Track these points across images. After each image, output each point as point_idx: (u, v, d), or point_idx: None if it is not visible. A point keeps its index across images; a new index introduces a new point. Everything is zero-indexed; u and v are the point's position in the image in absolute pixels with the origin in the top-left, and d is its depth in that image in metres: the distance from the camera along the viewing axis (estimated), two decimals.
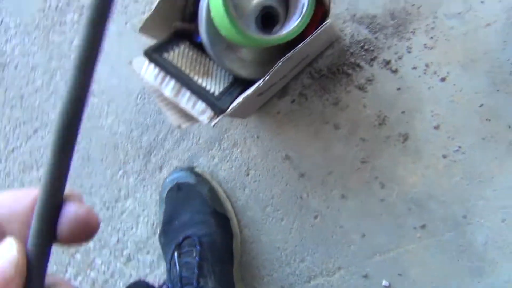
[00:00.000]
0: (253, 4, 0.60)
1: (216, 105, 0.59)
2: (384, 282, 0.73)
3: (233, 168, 0.77)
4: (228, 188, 0.77)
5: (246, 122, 0.76)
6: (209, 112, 0.60)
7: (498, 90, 0.67)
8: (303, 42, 0.56)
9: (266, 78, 0.57)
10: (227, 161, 0.77)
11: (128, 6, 0.82)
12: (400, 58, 0.69)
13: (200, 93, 0.60)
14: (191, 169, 0.76)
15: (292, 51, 0.56)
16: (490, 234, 0.69)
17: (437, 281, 0.71)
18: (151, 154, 0.79)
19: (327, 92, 0.72)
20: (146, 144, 0.79)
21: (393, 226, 0.72)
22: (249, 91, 0.58)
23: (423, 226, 0.71)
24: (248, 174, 0.77)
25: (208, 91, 0.60)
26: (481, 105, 0.68)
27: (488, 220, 0.69)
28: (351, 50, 0.71)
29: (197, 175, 0.75)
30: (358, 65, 0.71)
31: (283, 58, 0.56)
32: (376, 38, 0.70)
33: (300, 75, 0.73)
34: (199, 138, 0.77)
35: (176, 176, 0.75)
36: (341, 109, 0.72)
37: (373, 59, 0.70)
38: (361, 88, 0.71)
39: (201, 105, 0.60)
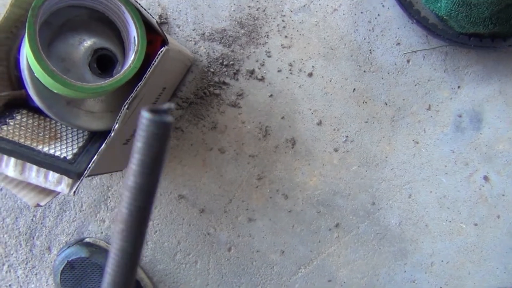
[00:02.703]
0: (81, 50, 0.54)
1: (71, 170, 0.53)
2: None
3: None
4: None
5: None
6: (66, 180, 0.53)
7: (364, 71, 0.66)
8: (143, 77, 0.51)
9: (116, 127, 0.51)
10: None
11: None
12: (262, 64, 0.66)
13: (48, 163, 0.52)
14: (80, 242, 0.68)
15: (134, 90, 0.51)
16: (402, 214, 0.67)
17: (367, 275, 0.68)
18: (33, 238, 0.70)
19: (202, 118, 0.68)
20: (25, 228, 0.70)
21: (308, 234, 0.69)
22: (103, 145, 0.52)
23: (337, 225, 0.68)
24: None
25: (58, 158, 0.53)
26: (354, 90, 0.67)
27: (395, 200, 0.67)
28: (212, 70, 0.67)
29: (89, 246, 0.67)
30: (224, 83, 0.67)
31: (127, 101, 0.51)
32: (232, 51, 0.66)
33: None
34: (81, 205, 0.70)
35: (66, 254, 0.66)
36: (221, 132, 0.68)
37: (236, 73, 0.66)
38: (234, 105, 0.67)
39: (53, 175, 0.53)
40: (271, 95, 0.67)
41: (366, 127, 0.67)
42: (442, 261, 0.67)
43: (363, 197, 0.68)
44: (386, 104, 0.66)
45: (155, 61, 0.52)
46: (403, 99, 0.66)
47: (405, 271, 0.68)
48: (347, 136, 0.67)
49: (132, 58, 0.52)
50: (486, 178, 0.66)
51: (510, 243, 0.65)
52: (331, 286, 0.69)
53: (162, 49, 0.52)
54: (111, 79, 0.51)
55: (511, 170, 0.65)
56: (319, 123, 0.67)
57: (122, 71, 0.52)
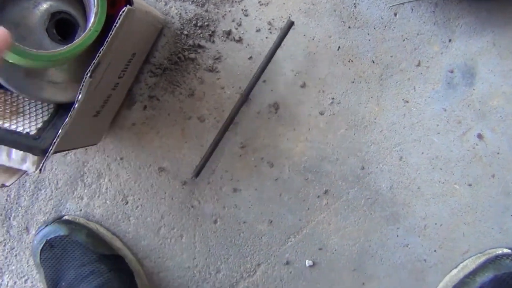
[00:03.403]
0: (37, 14, 0.49)
1: (35, 146, 0.49)
2: (308, 262, 0.67)
3: (107, 202, 0.67)
4: (110, 224, 0.67)
5: (103, 147, 0.66)
6: (31, 157, 0.50)
7: (349, 27, 0.62)
8: (105, 42, 0.47)
9: (80, 98, 0.47)
10: (99, 196, 0.67)
11: None
12: (239, 24, 0.62)
13: (10, 139, 0.49)
14: (58, 220, 0.65)
15: (96, 56, 0.47)
16: (393, 177, 0.64)
17: (358, 241, 0.66)
18: (10, 218, 0.67)
19: (178, 86, 0.64)
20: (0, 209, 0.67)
21: (296, 202, 0.66)
22: (67, 118, 0.48)
23: (326, 192, 0.66)
24: (127, 202, 0.67)
25: (20, 134, 0.50)
26: (339, 48, 0.62)
27: (386, 163, 0.64)
28: (185, 32, 0.62)
29: (68, 223, 0.64)
30: (199, 46, 0.62)
31: (89, 68, 0.46)
32: (206, 10, 0.61)
33: (141, 76, 0.64)
34: (57, 182, 0.66)
35: (44, 233, 0.64)
36: (199, 99, 0.64)
37: (212, 35, 0.62)
38: (211, 69, 0.63)
39: (17, 153, 0.49)
40: (250, 57, 0.63)
41: (353, 88, 0.63)
42: (436, 224, 0.64)
43: (352, 162, 0.65)
44: (373, 62, 0.62)
45: (117, 23, 0.47)
46: (391, 56, 0.62)
47: (397, 236, 0.65)
48: (333, 98, 0.64)
49: (92, 21, 0.47)
50: (480, 136, 0.63)
51: (505, 203, 0.63)
52: (322, 254, 0.67)
53: (124, 9, 0.48)
54: (69, 45, 0.47)
55: (506, 127, 0.62)
56: (303, 86, 0.63)
57: (82, 36, 0.47)
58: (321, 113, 0.64)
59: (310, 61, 0.63)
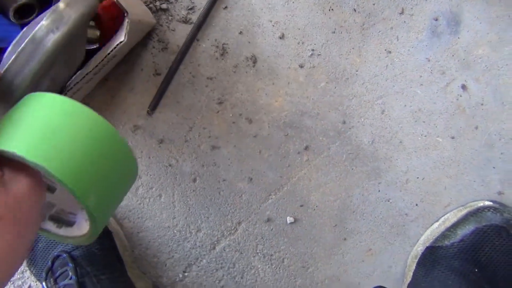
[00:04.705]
0: None
1: None
2: (289, 219, 0.66)
3: None
4: None
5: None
6: None
7: None
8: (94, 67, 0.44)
9: None
10: None
11: None
12: None
13: None
14: None
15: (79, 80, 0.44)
16: (374, 131, 0.63)
17: (340, 197, 0.65)
18: None
19: (150, 39, 0.60)
20: None
21: (276, 159, 0.64)
22: None
23: (306, 148, 0.64)
24: None
25: None
26: None
27: (367, 117, 0.63)
28: None
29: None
30: None
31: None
32: None
33: None
34: None
35: None
36: (173, 53, 0.61)
37: None
38: (185, 21, 0.60)
39: None
40: (225, 7, 0.59)
41: (333, 38, 0.60)
42: (418, 177, 0.63)
43: (332, 116, 0.63)
44: (354, 10, 0.59)
45: (109, 53, 0.45)
46: (374, 4, 0.59)
47: (379, 191, 0.64)
48: (313, 50, 0.61)
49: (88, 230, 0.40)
50: (464, 87, 0.61)
51: (487, 155, 0.62)
52: (303, 210, 0.66)
53: (117, 43, 0.45)
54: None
55: (491, 77, 0.60)
56: (282, 37, 0.61)
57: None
58: (301, 66, 0.61)
59: (288, 10, 0.60)
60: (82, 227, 0.40)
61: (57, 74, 0.40)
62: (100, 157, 0.35)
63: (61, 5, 0.38)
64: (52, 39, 0.37)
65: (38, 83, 0.38)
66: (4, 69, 0.36)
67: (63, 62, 0.40)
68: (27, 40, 0.36)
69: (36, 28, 0.37)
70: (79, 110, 0.35)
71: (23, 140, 0.32)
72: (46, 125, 0.33)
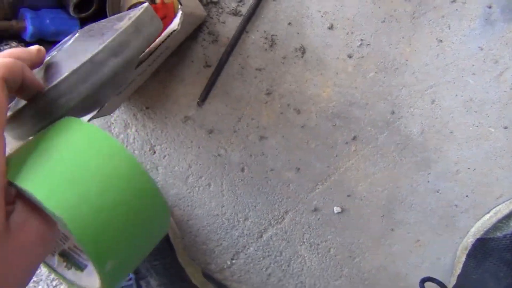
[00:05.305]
0: None
1: None
2: (336, 209, 0.66)
3: (136, 152, 0.67)
4: None
5: (128, 97, 0.65)
6: None
7: None
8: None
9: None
10: (127, 146, 0.67)
11: None
12: None
13: None
14: None
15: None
16: (424, 121, 0.62)
17: (388, 188, 0.65)
18: None
19: (201, 31, 0.62)
20: None
21: (324, 149, 0.65)
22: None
23: (354, 138, 0.64)
24: (154, 152, 0.67)
25: None
26: None
27: (417, 107, 0.62)
28: None
29: None
30: None
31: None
32: None
33: None
34: None
35: None
36: (223, 45, 0.62)
37: None
38: (235, 13, 0.61)
39: None
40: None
41: (383, 28, 0.60)
42: (469, 168, 0.63)
43: (381, 106, 0.63)
44: None
45: (162, 42, 0.46)
46: None
47: (428, 181, 0.64)
48: (362, 40, 0.61)
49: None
50: None
51: None
52: (350, 200, 0.66)
53: (171, 32, 0.46)
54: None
55: None
56: (331, 27, 0.61)
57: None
58: (350, 56, 0.61)
59: (337, 1, 0.60)
60: (92, 279, 0.34)
61: (102, 96, 0.36)
62: (130, 215, 0.29)
63: (129, 28, 0.35)
64: (112, 64, 0.33)
65: (82, 105, 0.34)
66: (52, 84, 0.32)
67: (112, 84, 0.35)
68: (85, 60, 0.32)
69: (99, 49, 0.33)
70: (119, 154, 0.29)
71: (45, 181, 0.27)
72: (77, 167, 0.28)
